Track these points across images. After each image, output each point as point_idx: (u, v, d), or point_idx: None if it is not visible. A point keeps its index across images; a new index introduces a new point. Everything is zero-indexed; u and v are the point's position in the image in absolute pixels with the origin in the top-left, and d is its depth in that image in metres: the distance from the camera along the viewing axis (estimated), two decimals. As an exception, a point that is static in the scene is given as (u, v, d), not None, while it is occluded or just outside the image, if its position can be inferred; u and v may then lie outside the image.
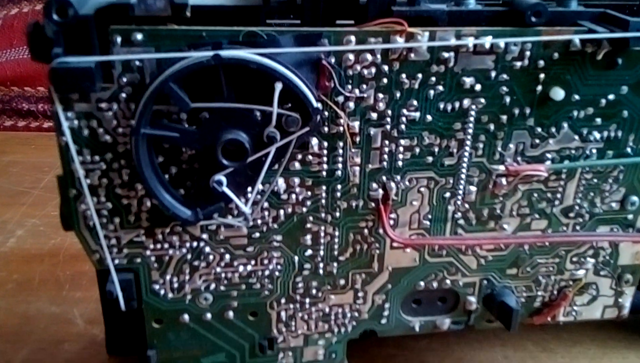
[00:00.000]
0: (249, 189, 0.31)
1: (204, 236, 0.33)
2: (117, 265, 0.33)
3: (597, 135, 0.34)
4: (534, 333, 0.50)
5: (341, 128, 0.32)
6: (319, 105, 0.30)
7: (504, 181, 0.35)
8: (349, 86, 0.31)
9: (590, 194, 0.36)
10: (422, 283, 0.37)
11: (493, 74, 0.32)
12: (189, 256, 0.33)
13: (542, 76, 0.32)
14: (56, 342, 0.47)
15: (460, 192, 0.35)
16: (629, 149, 0.35)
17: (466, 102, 0.32)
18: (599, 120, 0.34)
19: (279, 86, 0.28)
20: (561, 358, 0.47)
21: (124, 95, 0.29)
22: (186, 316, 0.35)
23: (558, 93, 0.32)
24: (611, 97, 0.33)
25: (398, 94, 0.31)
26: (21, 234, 0.60)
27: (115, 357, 0.45)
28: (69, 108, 0.29)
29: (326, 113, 0.31)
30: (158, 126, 0.29)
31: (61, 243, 0.59)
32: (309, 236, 0.34)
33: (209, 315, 0.35)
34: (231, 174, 0.30)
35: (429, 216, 0.35)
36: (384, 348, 0.47)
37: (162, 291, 0.34)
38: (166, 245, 0.33)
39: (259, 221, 0.33)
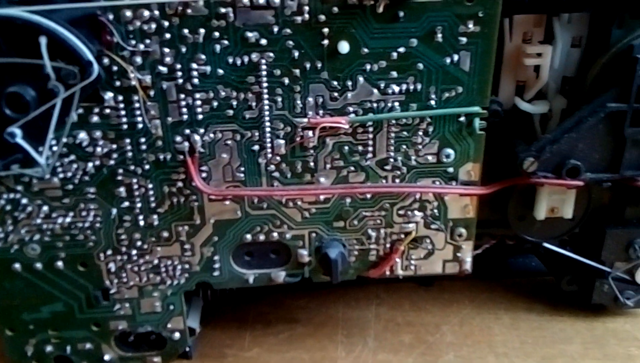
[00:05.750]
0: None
1: (19, 188, 0.35)
2: (-59, 214, 0.35)
3: (395, 88, 0.35)
4: (416, 294, 0.52)
5: (133, 82, 0.33)
6: (105, 60, 0.33)
7: (310, 133, 0.36)
8: (133, 41, 0.32)
9: (402, 147, 0.37)
10: (248, 236, 0.39)
11: (275, 28, 0.33)
12: (8, 207, 0.36)
13: (325, 30, 0.33)
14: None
15: (268, 145, 0.36)
16: (432, 102, 0.36)
17: (254, 56, 0.34)
18: (394, 73, 0.35)
19: (43, 40, 0.30)
20: (431, 318, 0.48)
21: None
22: (17, 266, 0.38)
23: (343, 47, 0.34)
24: (402, 50, 0.34)
25: (184, 49, 0.33)
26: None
27: None
28: None
29: (115, 67, 0.33)
30: (-55, 80, 0.31)
31: None
32: (122, 189, 0.36)
33: (39, 265, 0.38)
34: (28, 126, 0.33)
35: (242, 169, 0.36)
36: (259, 305, 0.50)
37: (-11, 241, 0.36)
38: (-16, 196, 0.35)
39: (70, 174, 0.35)
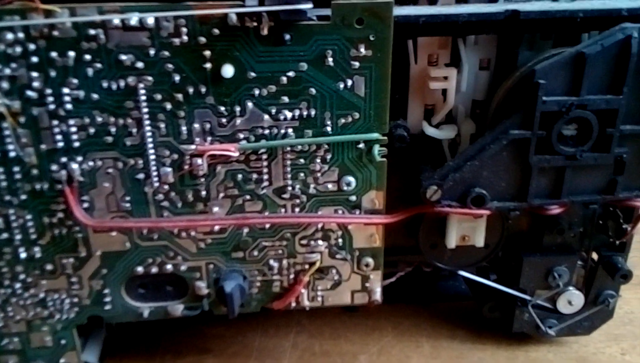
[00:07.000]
0: None
1: None
2: None
3: (288, 114, 0.33)
4: (338, 320, 0.50)
5: (0, 108, 0.31)
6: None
7: (199, 161, 0.34)
8: (-1, 65, 0.30)
9: (300, 174, 0.35)
10: (139, 268, 0.37)
11: (152, 51, 0.31)
12: None
13: (207, 53, 0.31)
14: None
15: (154, 173, 0.34)
16: (328, 128, 0.34)
17: (131, 80, 0.31)
18: (285, 98, 0.33)
19: None
20: (350, 346, 0.46)
21: None
22: None
23: (227, 70, 0.31)
24: (291, 74, 0.32)
25: (53, 73, 0.31)
26: None
27: None
28: None
29: (-20, 93, 0.30)
30: None
31: None
32: (-1, 220, 0.34)
33: None
34: None
35: (127, 199, 0.34)
36: (173, 334, 0.47)
37: None
38: None
39: (-58, 205, 0.33)
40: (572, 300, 0.42)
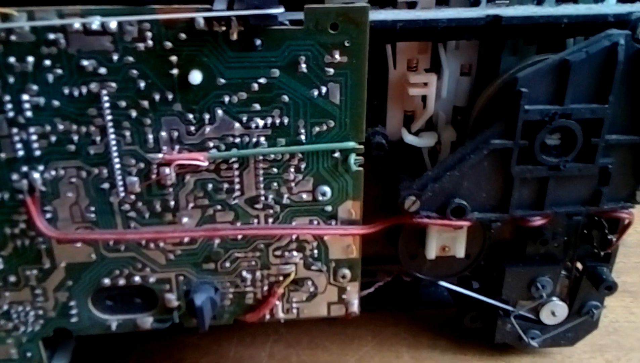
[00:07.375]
0: None
1: None
2: None
3: (260, 121, 0.32)
4: (317, 328, 0.48)
5: (-44, 116, 0.29)
6: None
7: (167, 170, 0.32)
8: (-48, 71, 0.28)
9: (273, 184, 0.34)
10: (106, 280, 0.35)
11: (115, 56, 0.29)
12: None
13: (174, 58, 0.30)
14: None
15: (120, 183, 0.32)
16: (302, 137, 0.32)
17: (94, 86, 0.30)
18: (257, 105, 0.31)
19: None
20: (328, 356, 0.45)
21: None
22: None
23: (195, 77, 0.30)
24: (263, 80, 0.31)
25: (12, 79, 0.29)
26: None
27: None
28: None
29: None
30: None
31: None
32: (-42, 230, 0.32)
33: None
34: None
35: (92, 209, 0.33)
36: (146, 343, 0.46)
37: None
38: None
39: None
40: (555, 311, 0.41)
